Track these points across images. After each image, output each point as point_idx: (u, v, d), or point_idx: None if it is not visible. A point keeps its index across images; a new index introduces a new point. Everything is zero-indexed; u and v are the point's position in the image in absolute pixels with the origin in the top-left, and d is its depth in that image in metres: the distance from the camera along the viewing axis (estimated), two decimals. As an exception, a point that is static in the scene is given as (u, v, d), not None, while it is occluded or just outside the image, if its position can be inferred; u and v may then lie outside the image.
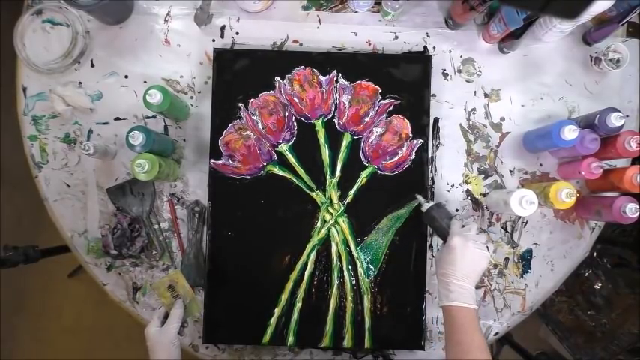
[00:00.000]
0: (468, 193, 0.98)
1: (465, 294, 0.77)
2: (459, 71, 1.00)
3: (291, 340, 0.93)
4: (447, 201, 0.98)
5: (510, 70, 1.00)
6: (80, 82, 0.98)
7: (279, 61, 0.97)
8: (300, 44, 0.99)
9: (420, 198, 0.90)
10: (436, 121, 0.98)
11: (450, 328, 0.77)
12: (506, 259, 0.98)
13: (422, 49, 0.99)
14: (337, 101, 0.96)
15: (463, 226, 0.84)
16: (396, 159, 0.95)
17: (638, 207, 0.84)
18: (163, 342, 0.83)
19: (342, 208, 0.95)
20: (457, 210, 0.98)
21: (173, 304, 0.88)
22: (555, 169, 0.98)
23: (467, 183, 0.98)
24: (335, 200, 0.95)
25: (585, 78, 1.00)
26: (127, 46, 0.98)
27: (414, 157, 0.96)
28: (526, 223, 0.98)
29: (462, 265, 0.79)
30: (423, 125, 0.96)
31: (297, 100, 0.96)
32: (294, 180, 0.95)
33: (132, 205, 0.96)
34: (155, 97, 0.82)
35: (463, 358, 0.73)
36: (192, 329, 0.96)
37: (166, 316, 0.87)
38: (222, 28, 0.99)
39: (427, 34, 0.99)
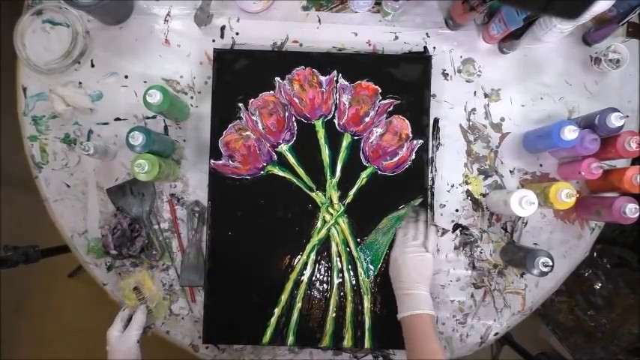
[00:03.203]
0: (468, 193, 0.98)
1: (417, 300, 0.79)
2: (459, 71, 1.00)
3: (291, 340, 0.93)
4: (447, 201, 0.98)
5: (510, 70, 1.00)
6: (80, 83, 0.98)
7: (279, 61, 0.97)
8: (300, 44, 0.99)
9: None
10: (436, 121, 0.98)
11: (407, 339, 0.78)
12: (506, 259, 0.98)
13: (422, 50, 0.99)
14: (337, 101, 0.96)
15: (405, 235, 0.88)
16: (396, 159, 0.95)
17: (638, 207, 0.84)
18: (123, 350, 0.82)
19: (342, 208, 0.95)
20: (457, 210, 0.98)
21: (137, 307, 0.85)
22: (555, 170, 0.98)
23: (467, 183, 0.98)
24: (335, 200, 0.95)
25: (585, 78, 1.00)
26: (127, 47, 0.98)
27: (414, 157, 0.96)
28: (526, 223, 0.98)
29: (408, 274, 0.82)
30: (423, 125, 0.96)
31: (297, 101, 0.96)
32: (294, 180, 0.95)
33: (132, 205, 0.96)
34: (155, 97, 0.82)
35: None
36: (192, 329, 0.96)
37: (130, 319, 0.84)
38: (222, 28, 0.99)
39: (427, 34, 0.99)
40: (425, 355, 0.75)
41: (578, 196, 0.87)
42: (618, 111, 0.85)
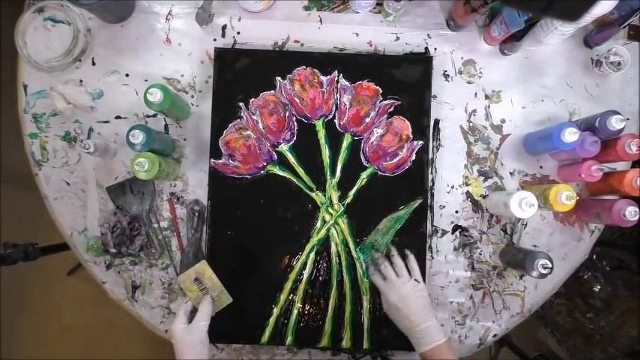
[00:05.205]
0: (468, 194, 0.98)
1: (432, 333, 0.80)
2: (460, 73, 1.00)
3: (289, 340, 0.93)
4: (447, 202, 0.98)
5: (511, 72, 1.00)
6: (81, 81, 0.98)
7: (280, 60, 0.97)
8: (302, 44, 0.99)
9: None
10: (437, 122, 0.98)
11: None
12: (506, 260, 0.98)
13: (423, 51, 0.99)
14: (338, 102, 0.96)
15: (384, 278, 0.88)
16: (396, 160, 0.95)
17: (638, 210, 0.84)
18: (192, 342, 0.78)
19: (342, 208, 0.95)
20: (457, 211, 0.98)
21: (201, 298, 0.82)
22: (555, 172, 0.98)
23: (467, 184, 0.98)
24: (335, 201, 0.95)
25: (586, 80, 1.00)
26: (128, 45, 0.98)
27: (414, 158, 0.96)
28: (526, 225, 0.98)
29: (414, 313, 0.82)
30: (423, 126, 0.96)
31: (297, 100, 0.96)
32: (294, 180, 0.95)
33: (132, 203, 0.96)
34: (156, 95, 0.82)
35: None
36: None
37: (193, 311, 0.82)
38: (224, 27, 0.99)
39: (428, 35, 0.99)
40: None
41: (578, 198, 0.86)
42: (619, 113, 0.85)
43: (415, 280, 0.86)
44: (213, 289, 0.85)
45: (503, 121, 0.99)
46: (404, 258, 0.90)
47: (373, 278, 0.90)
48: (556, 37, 0.94)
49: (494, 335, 0.98)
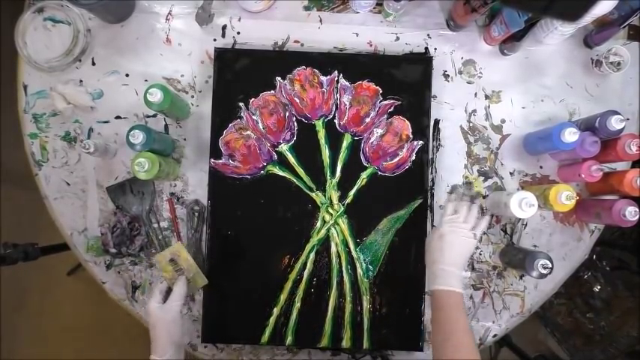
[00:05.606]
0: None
1: (452, 278, 0.78)
2: (460, 73, 1.00)
3: (289, 340, 0.93)
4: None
5: (511, 72, 1.00)
6: (81, 81, 0.98)
7: (280, 61, 0.97)
8: (302, 44, 0.99)
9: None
10: (437, 122, 0.98)
11: (436, 311, 0.78)
12: (506, 260, 0.98)
13: (423, 51, 0.99)
14: (338, 102, 0.96)
15: (454, 212, 0.86)
16: (396, 160, 0.95)
17: (638, 210, 0.84)
18: (166, 320, 0.80)
19: (342, 208, 0.95)
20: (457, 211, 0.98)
21: (176, 279, 0.84)
22: (555, 172, 0.98)
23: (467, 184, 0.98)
24: (335, 201, 0.95)
25: (586, 80, 1.00)
26: (128, 45, 0.98)
27: (414, 158, 0.96)
28: (526, 225, 0.98)
29: (450, 252, 0.81)
30: (423, 126, 0.96)
31: (297, 100, 0.96)
32: (294, 180, 0.95)
33: (132, 203, 0.96)
34: (156, 95, 0.82)
35: (447, 339, 0.74)
36: (190, 328, 0.96)
37: (169, 291, 0.84)
38: (224, 27, 0.99)
39: (428, 35, 0.99)
40: (453, 324, 0.76)
41: (578, 198, 0.86)
42: (619, 114, 0.85)
43: (474, 233, 0.84)
44: (189, 271, 0.87)
45: (503, 121, 0.99)
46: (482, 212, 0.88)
47: (447, 203, 0.88)
48: (556, 37, 0.94)
49: (494, 335, 0.98)
